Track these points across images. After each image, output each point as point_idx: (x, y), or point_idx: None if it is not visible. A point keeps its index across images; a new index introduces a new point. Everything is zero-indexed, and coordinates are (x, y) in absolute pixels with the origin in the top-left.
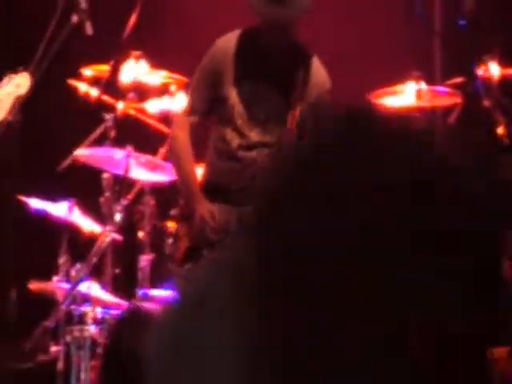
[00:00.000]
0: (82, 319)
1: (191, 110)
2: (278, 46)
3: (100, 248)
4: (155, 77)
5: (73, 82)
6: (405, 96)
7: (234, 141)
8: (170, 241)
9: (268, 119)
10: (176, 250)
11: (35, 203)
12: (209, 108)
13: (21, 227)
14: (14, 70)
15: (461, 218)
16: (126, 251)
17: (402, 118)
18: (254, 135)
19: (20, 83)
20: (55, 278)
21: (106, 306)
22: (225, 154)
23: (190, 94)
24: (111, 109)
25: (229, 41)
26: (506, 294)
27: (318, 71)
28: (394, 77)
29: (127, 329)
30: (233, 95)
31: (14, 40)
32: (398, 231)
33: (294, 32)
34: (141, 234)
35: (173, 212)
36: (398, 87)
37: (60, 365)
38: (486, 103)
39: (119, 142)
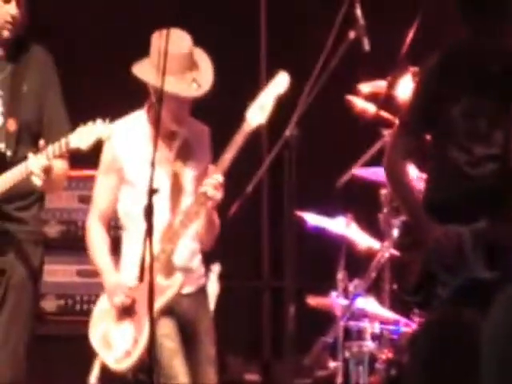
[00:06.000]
0: (360, 335)
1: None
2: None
3: (378, 264)
4: None
5: (350, 98)
6: None
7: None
8: None
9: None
10: (402, 279)
11: (312, 219)
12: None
13: (298, 242)
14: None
15: None
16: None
17: None
18: (479, 150)
19: (279, 82)
20: (333, 294)
21: (383, 321)
22: (450, 171)
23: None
24: (389, 124)
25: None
26: None
27: None
28: None
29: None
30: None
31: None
32: None
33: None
34: None
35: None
36: None
37: (338, 380)
38: None
39: None
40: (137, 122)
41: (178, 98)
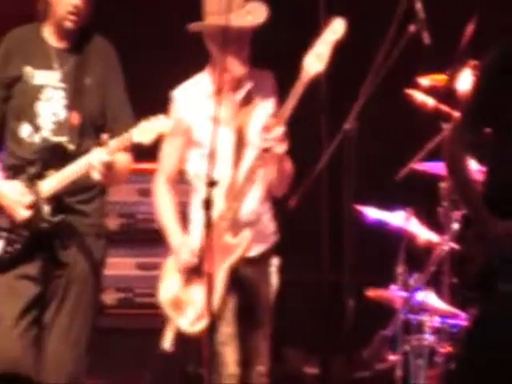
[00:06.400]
0: (419, 328)
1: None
2: None
3: (437, 257)
4: None
5: (410, 91)
6: None
7: None
8: None
9: None
10: (463, 273)
11: (372, 212)
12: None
13: (358, 236)
14: None
15: None
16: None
17: None
18: None
19: (336, 29)
20: (393, 287)
21: (443, 315)
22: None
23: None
24: (448, 118)
25: None
26: None
27: None
28: None
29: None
30: None
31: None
32: None
33: None
34: None
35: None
36: None
37: (398, 373)
38: None
39: None
40: (200, 83)
41: (245, 30)
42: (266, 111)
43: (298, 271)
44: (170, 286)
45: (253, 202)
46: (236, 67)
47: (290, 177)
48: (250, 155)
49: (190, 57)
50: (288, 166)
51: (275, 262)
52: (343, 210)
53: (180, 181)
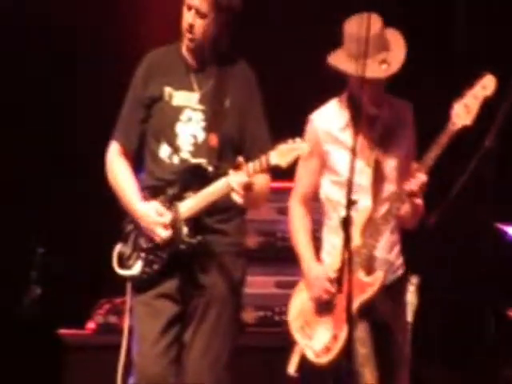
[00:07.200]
0: None
1: None
2: None
3: None
4: None
5: None
6: None
7: None
8: None
9: None
10: None
11: None
12: None
13: (498, 254)
14: None
15: None
16: None
17: None
18: None
19: (486, 85)
20: None
21: None
22: None
23: None
24: None
25: None
26: None
27: None
28: None
29: None
30: None
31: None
32: None
33: None
34: None
35: None
36: None
37: None
38: None
39: None
40: (336, 109)
41: (369, 80)
42: (404, 145)
43: (437, 290)
44: (300, 310)
45: (386, 238)
46: (369, 107)
47: (422, 212)
48: (388, 189)
49: (329, 80)
50: (421, 202)
51: (414, 280)
52: (483, 228)
53: (315, 199)
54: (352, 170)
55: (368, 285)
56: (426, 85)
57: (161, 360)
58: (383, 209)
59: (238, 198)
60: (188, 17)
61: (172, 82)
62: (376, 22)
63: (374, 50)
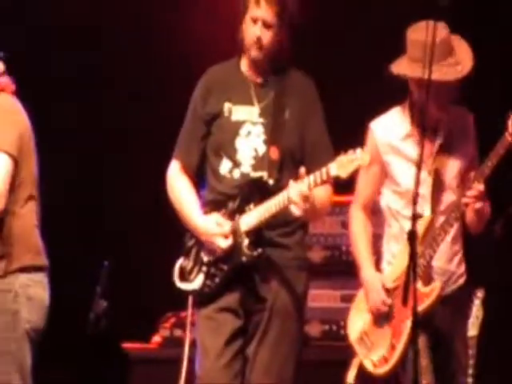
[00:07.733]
0: None
1: None
2: None
3: None
4: None
5: None
6: None
7: None
8: None
9: None
10: None
11: None
12: None
13: None
14: None
15: None
16: None
17: None
18: None
19: None
20: None
21: None
22: None
23: None
24: None
25: None
26: None
27: None
28: None
29: None
30: None
31: None
32: None
33: None
34: None
35: None
36: None
37: None
38: None
39: None
40: (397, 118)
41: (445, 83)
42: (465, 155)
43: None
44: (359, 320)
45: (445, 248)
46: (435, 111)
47: (488, 217)
48: (447, 199)
49: (390, 89)
50: (487, 208)
51: (480, 294)
52: None
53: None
54: (417, 183)
55: (425, 295)
56: (486, 94)
57: (225, 373)
58: (442, 218)
59: (297, 210)
60: (255, 30)
61: (231, 97)
62: (442, 28)
63: (440, 55)
